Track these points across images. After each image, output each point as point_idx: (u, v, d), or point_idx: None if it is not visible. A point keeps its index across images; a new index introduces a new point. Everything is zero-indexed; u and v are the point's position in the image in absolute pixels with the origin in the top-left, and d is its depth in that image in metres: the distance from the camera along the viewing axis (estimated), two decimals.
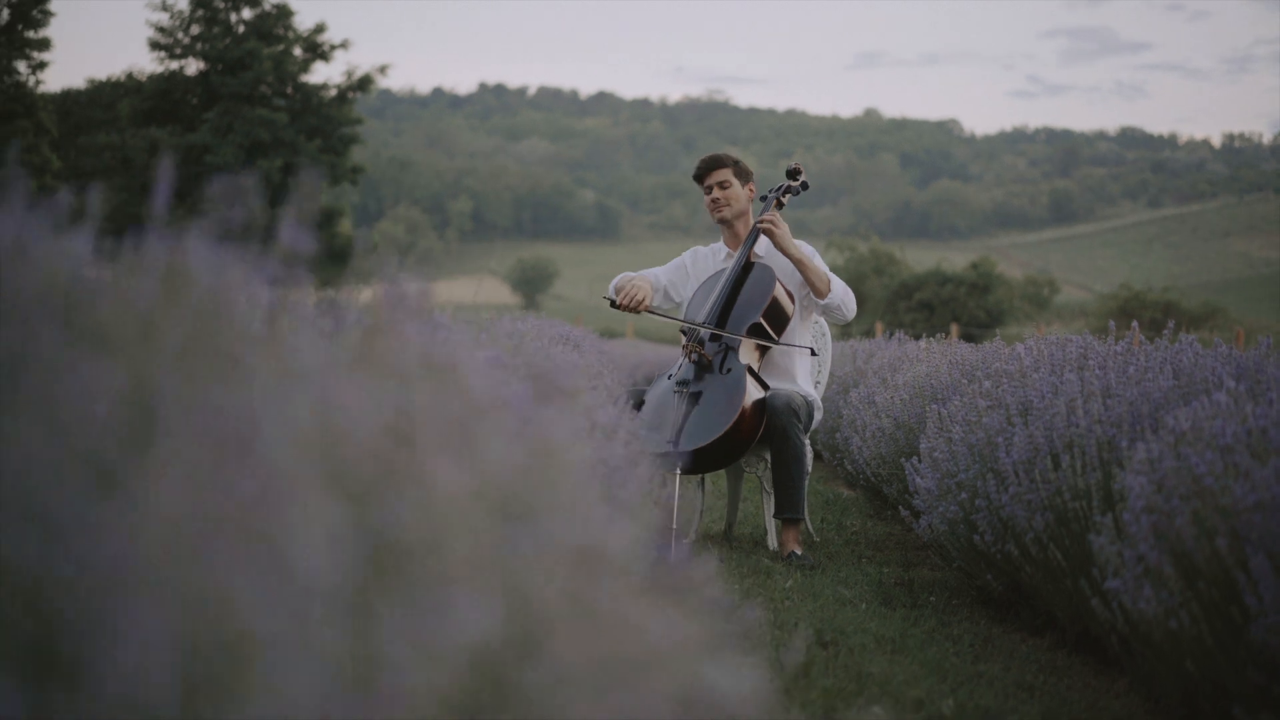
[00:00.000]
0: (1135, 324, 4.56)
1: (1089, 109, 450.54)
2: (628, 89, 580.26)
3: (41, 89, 31.15)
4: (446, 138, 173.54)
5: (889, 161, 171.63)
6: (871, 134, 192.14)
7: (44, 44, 30.66)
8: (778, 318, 5.34)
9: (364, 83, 36.87)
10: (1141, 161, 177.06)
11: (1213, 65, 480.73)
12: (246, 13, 36.47)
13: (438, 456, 0.89)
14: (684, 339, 5.50)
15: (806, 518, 5.38)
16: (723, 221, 5.61)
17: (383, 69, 37.33)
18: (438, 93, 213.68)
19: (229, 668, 0.73)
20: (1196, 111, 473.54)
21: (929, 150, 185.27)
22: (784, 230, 5.38)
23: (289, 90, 36.43)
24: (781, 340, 5.37)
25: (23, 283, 0.93)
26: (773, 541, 5.29)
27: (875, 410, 6.05)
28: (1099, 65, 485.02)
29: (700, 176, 5.62)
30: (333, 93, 36.57)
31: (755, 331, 5.30)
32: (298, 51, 36.49)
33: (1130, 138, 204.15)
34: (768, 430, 5.16)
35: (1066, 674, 3.38)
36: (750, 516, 6.22)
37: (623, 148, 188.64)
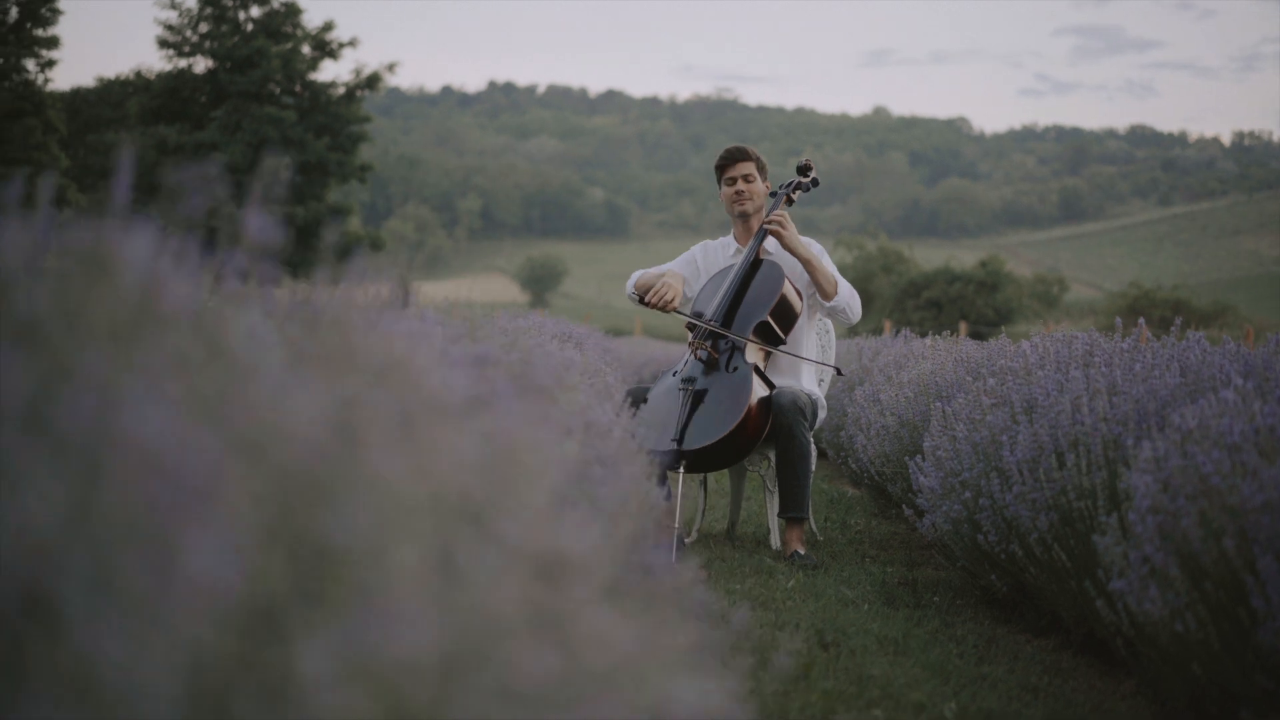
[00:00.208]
0: (1142, 320, 4.49)
1: (1098, 107, 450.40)
2: (637, 87, 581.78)
3: (50, 87, 31.16)
4: (455, 136, 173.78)
5: (898, 160, 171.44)
6: (880, 132, 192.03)
7: (52, 42, 30.66)
8: (786, 316, 5.29)
9: (372, 81, 36.84)
10: (1151, 160, 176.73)
11: (1222, 63, 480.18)
12: (255, 11, 36.47)
13: (383, 456, 0.84)
14: (690, 335, 5.44)
15: (810, 517, 5.33)
16: (743, 215, 5.55)
17: (391, 67, 37.30)
18: (447, 91, 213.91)
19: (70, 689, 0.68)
20: (1206, 109, 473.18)
21: (938, 148, 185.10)
22: (791, 230, 5.34)
23: (297, 88, 36.42)
24: (788, 339, 5.32)
25: None
26: (776, 541, 5.24)
27: (880, 408, 5.99)
28: (1108, 63, 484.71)
29: (724, 166, 5.56)
30: (341, 91, 36.55)
31: (763, 330, 5.25)
32: (306, 49, 36.47)
33: (1140, 136, 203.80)
34: (773, 428, 5.11)
35: (1071, 676, 3.33)
36: (753, 515, 6.17)
37: (632, 146, 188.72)
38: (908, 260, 44.76)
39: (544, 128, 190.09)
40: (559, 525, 0.93)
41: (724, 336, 5.27)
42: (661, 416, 5.17)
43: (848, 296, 5.34)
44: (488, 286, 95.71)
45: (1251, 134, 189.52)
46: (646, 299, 5.35)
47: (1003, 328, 22.38)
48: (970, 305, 38.10)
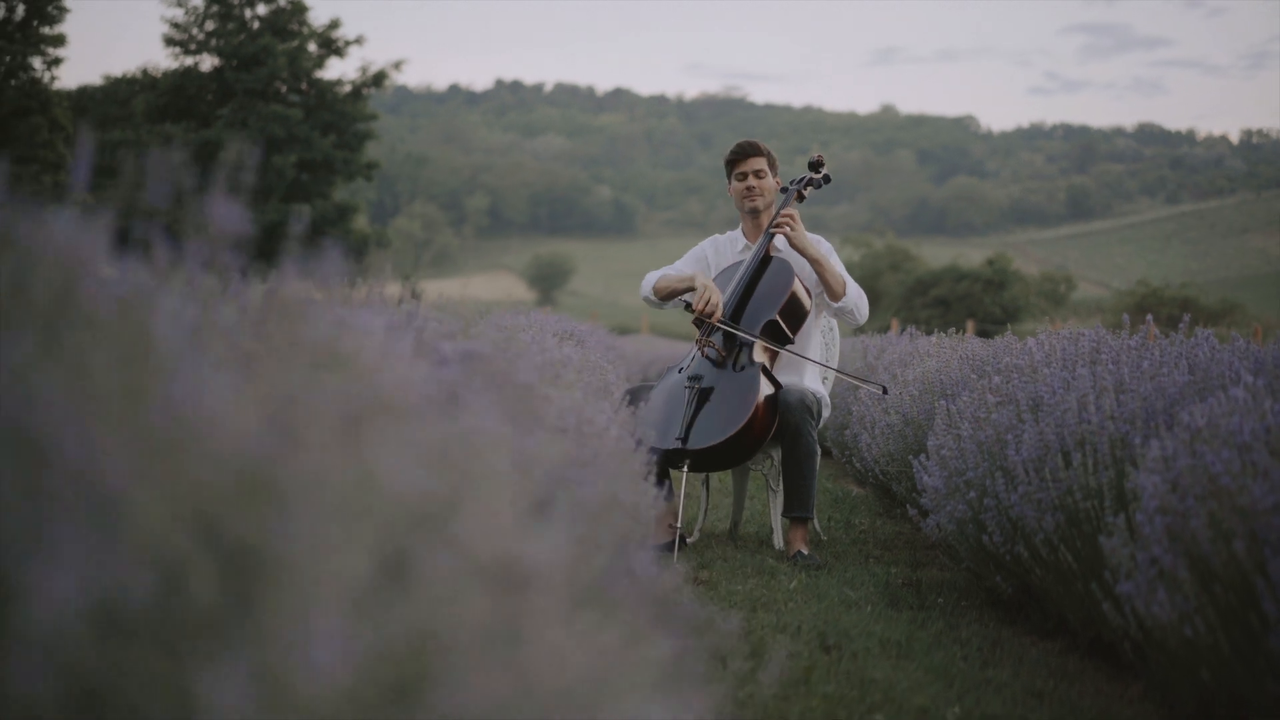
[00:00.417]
0: (1150, 317, 4.41)
1: (1106, 105, 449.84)
2: (644, 85, 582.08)
3: (57, 85, 31.16)
4: (463, 134, 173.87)
5: (906, 158, 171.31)
6: (888, 130, 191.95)
7: (59, 40, 30.66)
8: (794, 314, 5.23)
9: (379, 79, 36.83)
10: (1159, 158, 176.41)
11: (1230, 61, 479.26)
12: (261, 8, 36.47)
13: (323, 457, 0.78)
14: (698, 332, 5.37)
15: (814, 516, 5.27)
16: (753, 211, 5.47)
17: (398, 65, 37.29)
18: (454, 89, 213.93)
19: None
20: (1214, 107, 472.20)
21: (946, 147, 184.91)
22: (800, 229, 5.27)
23: (304, 86, 36.41)
24: (796, 337, 5.25)
25: None
26: (779, 541, 5.18)
27: (884, 406, 5.93)
28: (1116, 61, 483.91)
29: (735, 161, 5.48)
30: (348, 89, 36.53)
31: (771, 329, 5.18)
32: (312, 47, 36.46)
33: (1148, 134, 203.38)
34: (780, 427, 5.06)
35: (1078, 680, 3.27)
36: (756, 515, 6.11)
37: (639, 144, 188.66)
38: (915, 258, 44.79)
39: (551, 126, 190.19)
40: (522, 531, 0.87)
41: (734, 334, 5.19)
42: (665, 414, 5.11)
43: (856, 297, 5.28)
44: (495, 285, 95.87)
45: (1260, 132, 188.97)
46: (694, 305, 5.22)
47: (1009, 326, 22.34)
48: (978, 303, 38.08)
